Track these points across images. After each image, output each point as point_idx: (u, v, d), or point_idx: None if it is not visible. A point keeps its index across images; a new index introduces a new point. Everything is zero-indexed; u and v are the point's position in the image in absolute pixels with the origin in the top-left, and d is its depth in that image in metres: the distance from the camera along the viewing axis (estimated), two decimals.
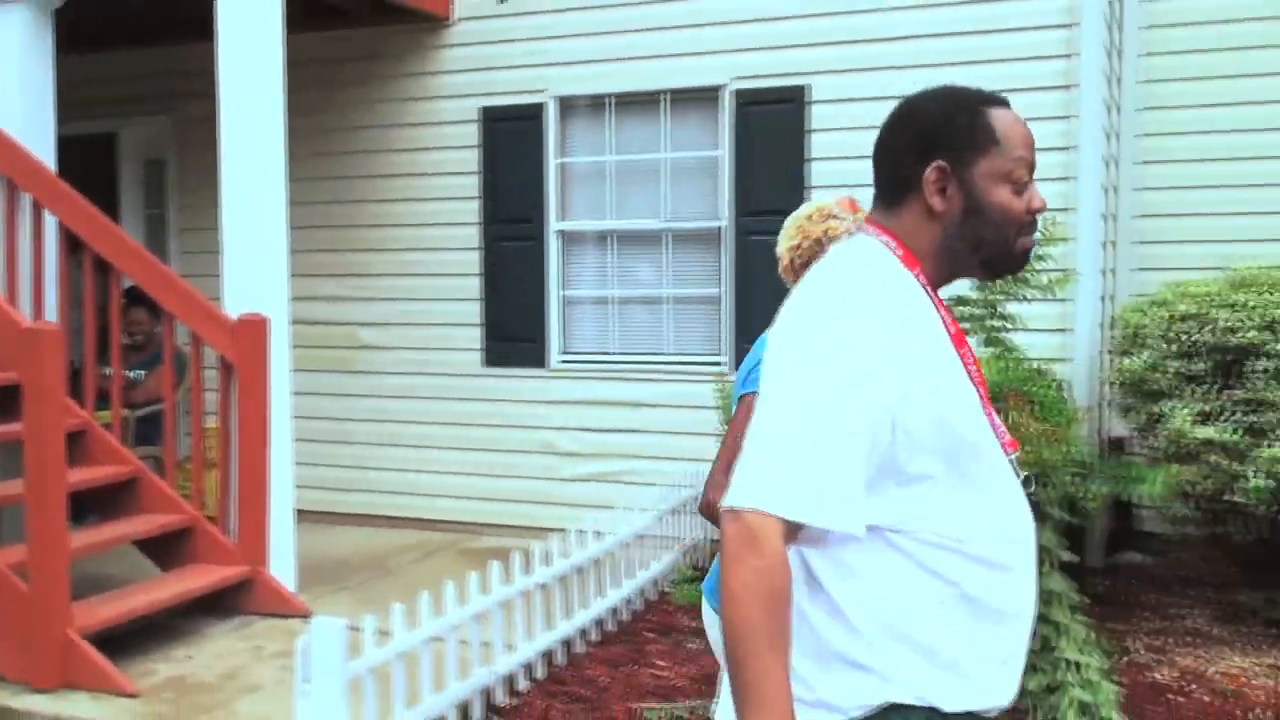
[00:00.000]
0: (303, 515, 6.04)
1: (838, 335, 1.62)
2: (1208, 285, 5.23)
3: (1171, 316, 5.14)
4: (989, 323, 4.79)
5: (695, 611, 4.20)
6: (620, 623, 5.46)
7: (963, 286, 4.67)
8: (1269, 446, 4.62)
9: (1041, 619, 4.08)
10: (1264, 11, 6.52)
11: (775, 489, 1.55)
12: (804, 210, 2.68)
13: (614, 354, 7.15)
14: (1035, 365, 5.22)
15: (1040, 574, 4.07)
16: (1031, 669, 4.02)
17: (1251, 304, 4.93)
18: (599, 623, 5.26)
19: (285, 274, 5.73)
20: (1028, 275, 4.69)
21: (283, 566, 5.57)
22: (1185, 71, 6.66)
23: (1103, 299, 6.24)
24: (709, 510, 2.53)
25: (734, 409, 2.70)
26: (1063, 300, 5.69)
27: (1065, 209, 5.80)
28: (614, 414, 7.02)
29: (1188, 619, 5.35)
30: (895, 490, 1.64)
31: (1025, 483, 1.83)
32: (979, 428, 1.70)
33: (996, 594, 1.74)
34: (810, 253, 2.55)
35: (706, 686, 4.60)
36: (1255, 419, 4.76)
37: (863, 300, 1.66)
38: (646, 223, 7.04)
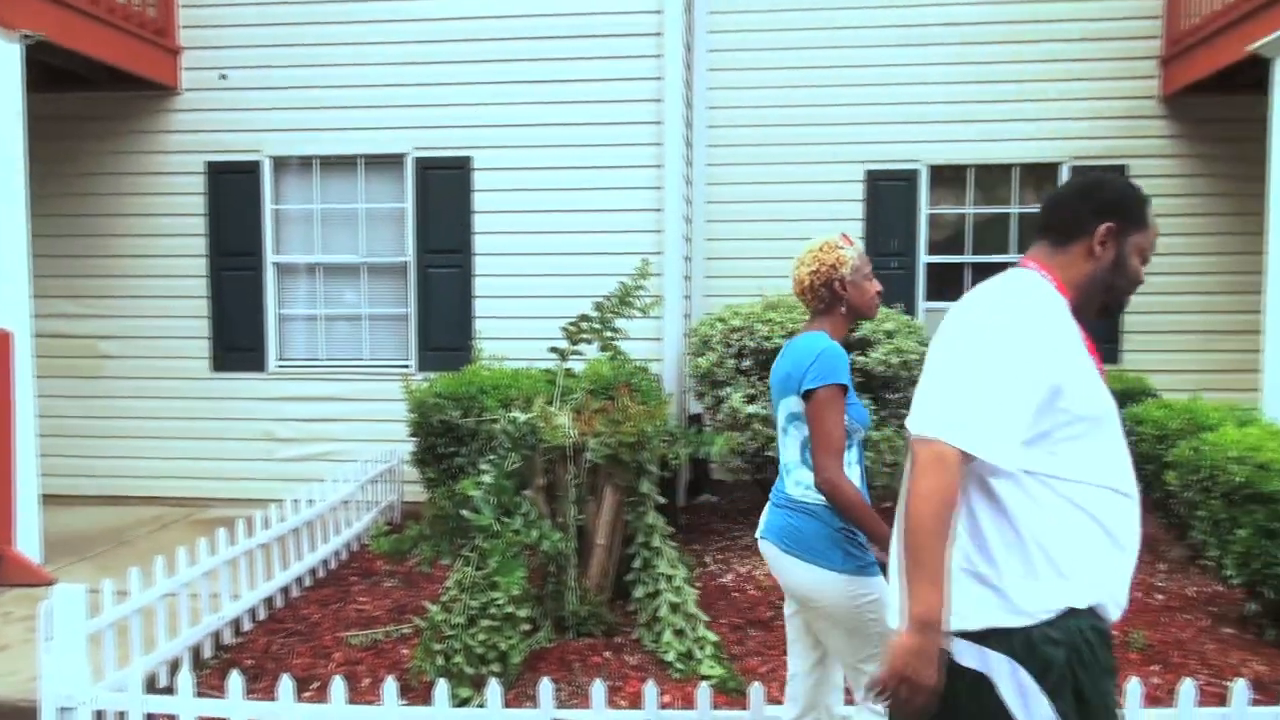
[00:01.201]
0: (52, 499, 5.42)
1: (1015, 326, 1.72)
2: (751, 307, 5.64)
3: (728, 329, 5.49)
4: (605, 334, 4.94)
5: (390, 558, 4.13)
6: (330, 571, 5.24)
7: (584, 306, 4.83)
8: None
9: (643, 545, 4.30)
10: (796, 120, 7.21)
11: (962, 427, 1.65)
12: (815, 244, 2.60)
13: (322, 359, 6.86)
14: (638, 365, 5.48)
15: (642, 513, 4.29)
16: (638, 582, 4.24)
17: (778, 319, 5.35)
18: (312, 571, 5.02)
19: (27, 293, 5.11)
20: (631, 300, 4.92)
21: (29, 543, 4.95)
22: (736, 158, 7.25)
23: (685, 316, 6.65)
24: (830, 486, 2.37)
25: (801, 404, 2.46)
26: (656, 318, 6.01)
27: (657, 253, 6.16)
28: (323, 407, 6.74)
29: (743, 539, 5.71)
30: (1065, 446, 1.72)
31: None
32: (1109, 402, 1.79)
33: (1126, 527, 1.78)
34: (825, 275, 2.54)
35: (399, 615, 4.53)
36: None
37: (1033, 307, 1.77)
38: (347, 257, 6.81)
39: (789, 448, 2.55)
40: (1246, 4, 5.73)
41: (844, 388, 2.41)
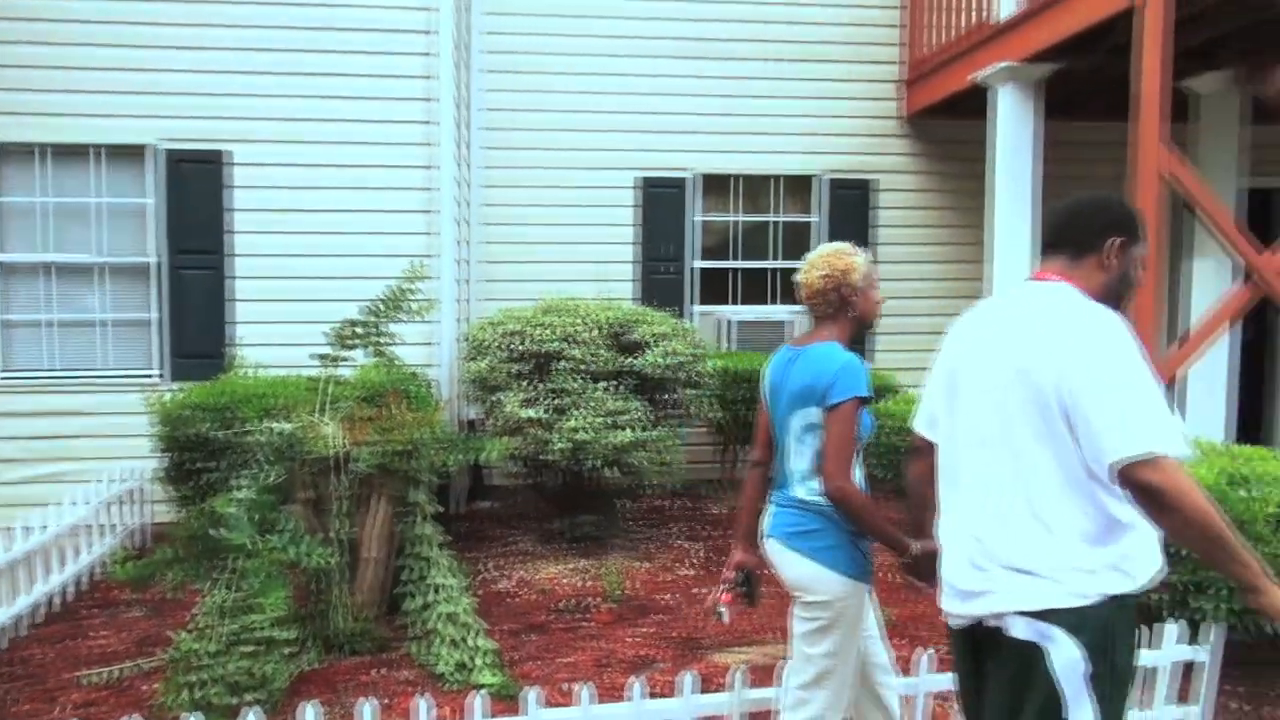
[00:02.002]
0: None
1: (1128, 343, 1.89)
2: (527, 311, 5.64)
3: (504, 333, 5.45)
4: (375, 339, 4.77)
5: (135, 586, 3.78)
6: (65, 603, 4.73)
7: (353, 310, 4.65)
8: (567, 420, 5.08)
9: (416, 556, 4.19)
10: (571, 125, 7.26)
11: (1171, 439, 1.79)
12: (825, 250, 2.63)
13: (55, 371, 6.18)
14: (411, 370, 5.33)
15: (415, 523, 4.18)
16: (411, 594, 4.13)
17: (555, 323, 5.37)
18: (40, 606, 4.52)
19: None
20: (403, 303, 4.79)
21: None
22: (513, 161, 7.22)
23: (460, 321, 6.55)
24: (840, 494, 2.45)
25: (821, 417, 2.50)
26: (430, 322, 5.91)
27: (430, 256, 6.03)
28: (54, 423, 6.08)
29: (520, 544, 5.71)
30: None
31: None
32: None
33: None
34: (836, 281, 2.58)
35: (145, 648, 4.16)
36: (559, 402, 5.16)
37: (1120, 323, 1.93)
38: (81, 257, 6.18)
39: (803, 456, 2.59)
40: (970, 39, 6.37)
41: (864, 400, 2.49)
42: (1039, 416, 1.92)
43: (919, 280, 7.71)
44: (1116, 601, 1.89)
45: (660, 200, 7.40)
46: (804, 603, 2.57)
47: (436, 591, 4.07)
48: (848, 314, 2.62)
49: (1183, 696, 3.37)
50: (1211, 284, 5.95)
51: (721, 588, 2.78)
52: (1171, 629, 3.31)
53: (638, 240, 7.39)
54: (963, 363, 2.17)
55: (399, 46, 6.22)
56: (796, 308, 7.62)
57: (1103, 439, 1.82)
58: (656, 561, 5.40)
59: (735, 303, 7.60)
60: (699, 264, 7.51)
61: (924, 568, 2.48)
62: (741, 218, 7.61)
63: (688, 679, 2.82)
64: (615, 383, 5.30)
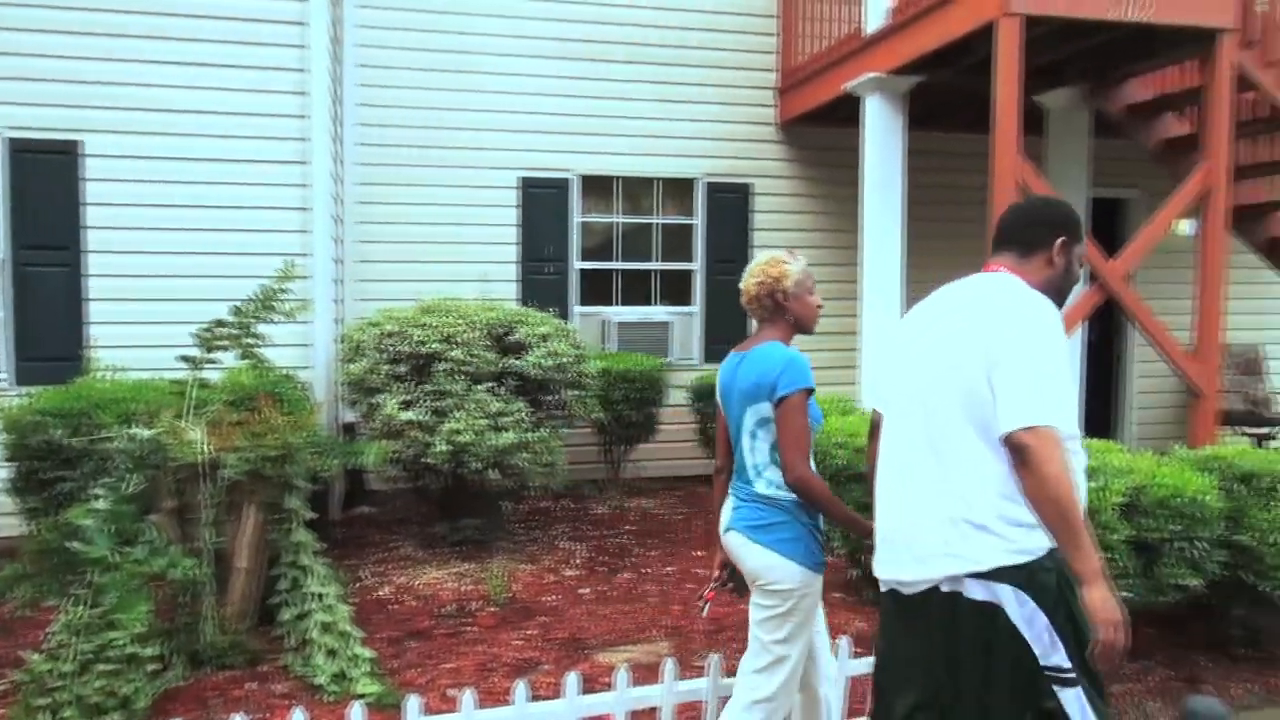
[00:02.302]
0: None
1: (1054, 323, 2.11)
2: (406, 311, 5.53)
3: (382, 334, 5.33)
4: (245, 341, 4.60)
5: None
6: None
7: (222, 310, 4.47)
8: (448, 422, 5.01)
9: (291, 565, 4.06)
10: (450, 123, 7.16)
11: (1056, 413, 1.97)
12: (762, 259, 2.81)
13: None
14: (284, 373, 5.16)
15: (289, 530, 4.05)
16: (285, 604, 3.99)
17: (435, 324, 5.27)
18: None
19: None
20: (274, 303, 4.63)
21: None
22: (390, 159, 7.07)
23: (336, 321, 6.37)
24: (801, 483, 2.59)
25: (772, 411, 2.65)
26: (305, 323, 5.73)
27: (305, 254, 5.84)
28: None
29: (401, 549, 5.59)
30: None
31: None
32: None
33: (1081, 470, 2.14)
34: (769, 288, 2.75)
35: None
36: (440, 404, 5.08)
37: (1051, 306, 2.16)
38: None
39: (758, 451, 2.72)
40: (840, 50, 6.60)
41: (811, 391, 2.65)
42: (970, 387, 2.11)
43: None
44: (1042, 557, 2.05)
45: (542, 201, 7.38)
46: (764, 591, 2.68)
47: (313, 600, 3.95)
48: (784, 317, 2.78)
49: None
50: None
51: (710, 586, 2.95)
52: None
53: (519, 240, 7.35)
54: (907, 346, 2.35)
55: (270, 37, 5.99)
56: (678, 309, 7.73)
57: (1000, 410, 2.02)
58: (541, 563, 5.39)
59: (617, 304, 7.65)
60: (581, 265, 7.52)
61: None
62: (623, 219, 7.67)
63: (572, 680, 2.83)
64: (497, 384, 5.26)
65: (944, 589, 2.10)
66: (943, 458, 2.15)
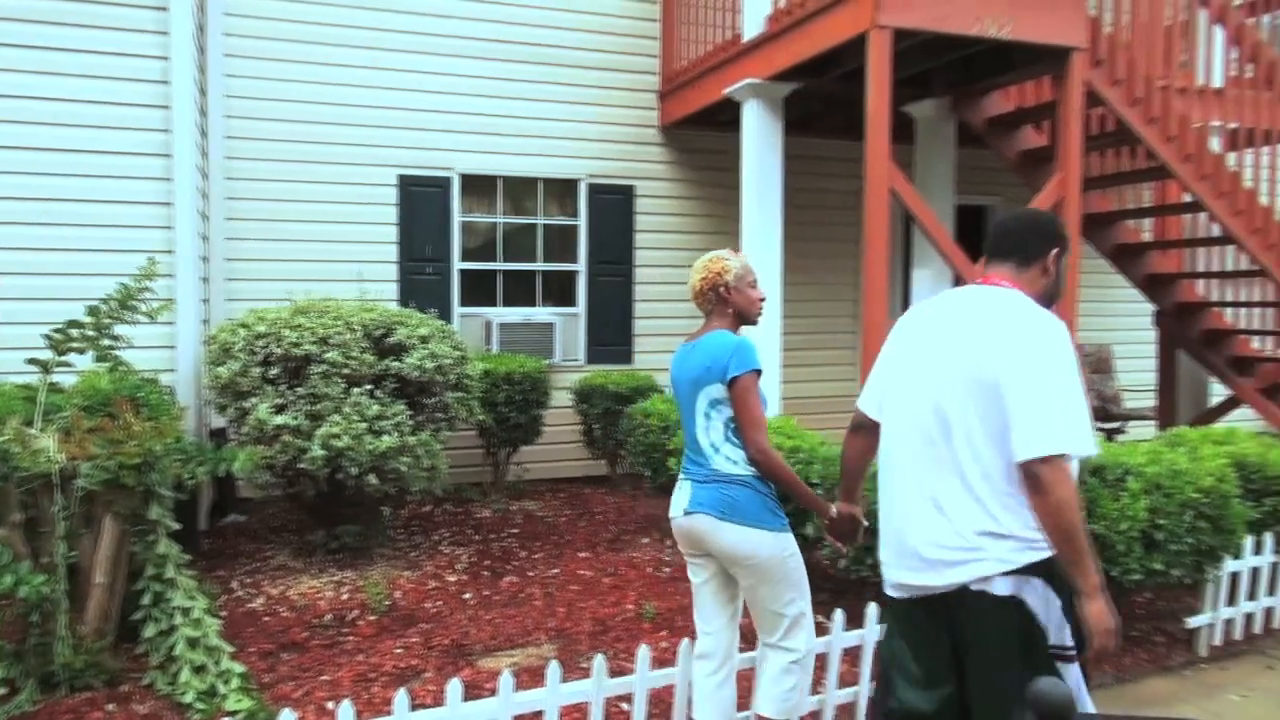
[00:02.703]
0: None
1: (1066, 346, 2.23)
2: (278, 312, 5.32)
3: (253, 335, 5.11)
4: (102, 342, 4.36)
5: None
6: None
7: (76, 310, 4.22)
8: (324, 427, 4.84)
9: (155, 578, 3.86)
10: (326, 118, 6.93)
11: (1069, 436, 2.13)
12: (705, 257, 3.04)
13: None
14: (146, 376, 4.90)
15: (152, 542, 3.86)
16: (148, 620, 3.80)
17: (310, 325, 5.09)
18: None
19: None
20: (134, 303, 4.39)
21: None
22: (261, 153, 6.81)
23: (204, 322, 6.08)
24: (764, 456, 2.81)
25: (724, 392, 2.85)
26: (168, 324, 5.45)
27: (167, 251, 5.55)
28: None
29: (275, 559, 5.39)
30: None
31: None
32: None
33: None
34: (712, 282, 2.98)
35: None
36: (315, 408, 4.90)
37: (1060, 326, 2.27)
38: None
39: (712, 431, 2.91)
40: (720, 55, 6.71)
41: (759, 373, 2.85)
42: (987, 404, 2.22)
43: (678, 284, 8.01)
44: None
45: (422, 199, 7.24)
46: (750, 568, 2.86)
47: (178, 615, 3.76)
48: (727, 309, 3.00)
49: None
50: (931, 290, 6.61)
51: None
52: (872, 609, 3.64)
53: (399, 240, 7.19)
54: (915, 354, 2.45)
55: (129, 22, 5.67)
56: (561, 310, 7.71)
57: (1016, 438, 2.16)
58: (423, 569, 5.28)
59: (500, 305, 7.58)
60: (463, 265, 7.41)
61: (843, 528, 2.91)
62: (506, 219, 7.59)
63: (455, 687, 2.79)
64: (376, 387, 5.12)
65: (973, 588, 2.24)
66: (964, 471, 2.26)
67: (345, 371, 5.02)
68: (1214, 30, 6.31)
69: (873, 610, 3.56)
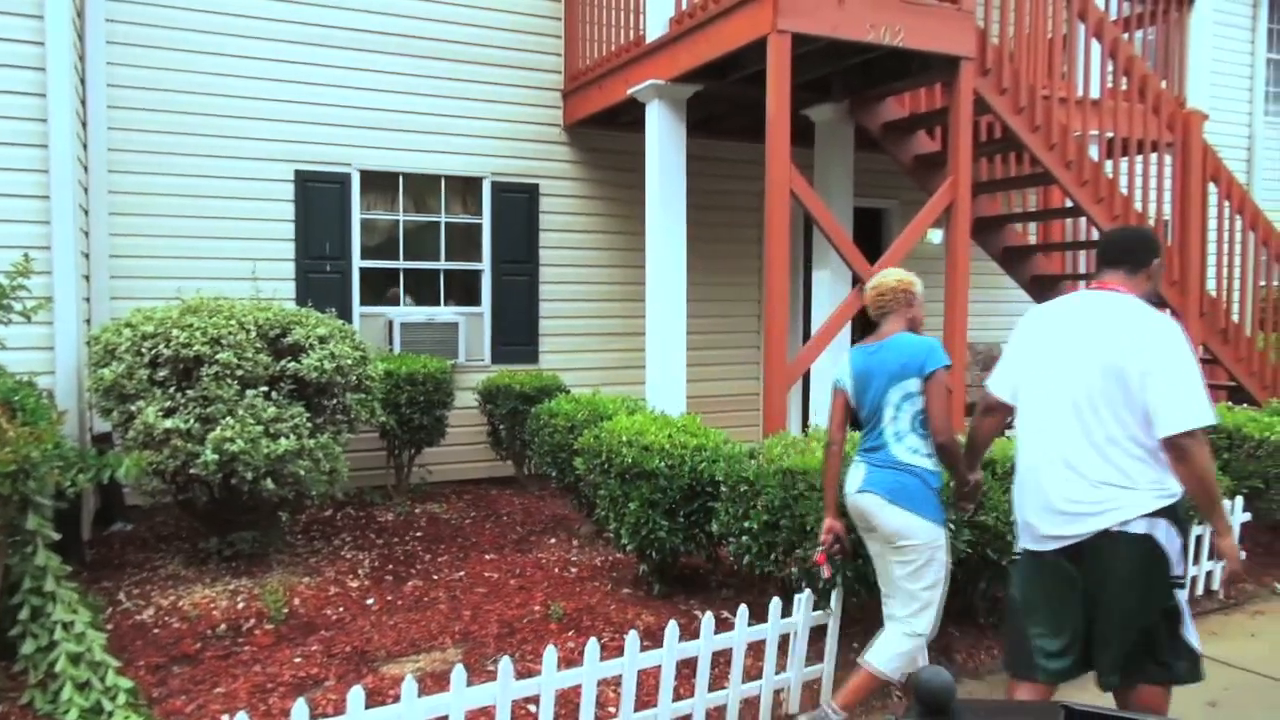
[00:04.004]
0: None
1: (1185, 343, 2.80)
2: (167, 311, 5.11)
3: (140, 335, 4.90)
4: None
5: None
6: None
7: None
8: (217, 430, 4.67)
9: (34, 591, 3.68)
10: (217, 110, 6.68)
11: (1203, 413, 2.68)
12: (897, 273, 3.51)
13: None
14: (21, 379, 4.65)
15: (30, 554, 3.67)
16: (26, 636, 3.61)
17: (200, 325, 4.91)
18: None
19: None
20: (8, 302, 4.16)
21: None
22: (147, 146, 6.53)
23: (85, 322, 5.80)
24: (951, 443, 3.27)
25: (919, 385, 3.28)
26: (46, 323, 5.17)
27: (44, 248, 5.25)
28: None
29: (165, 568, 5.18)
30: None
31: None
32: None
33: None
34: (904, 290, 3.46)
35: None
36: (208, 410, 4.72)
37: (1180, 328, 2.84)
38: None
39: (900, 421, 3.29)
40: (623, 55, 6.73)
41: (949, 367, 3.32)
42: (1125, 388, 2.77)
43: (583, 284, 8.02)
44: (1181, 495, 2.81)
45: (320, 195, 7.06)
46: (902, 548, 3.24)
47: (60, 629, 3.58)
48: (907, 315, 3.45)
49: (810, 658, 3.81)
50: (831, 290, 6.78)
51: (818, 549, 3.47)
52: (805, 596, 3.73)
53: (296, 237, 6.99)
54: (1054, 347, 2.97)
55: None
56: (465, 309, 7.62)
57: (1160, 418, 2.71)
58: (323, 575, 5.15)
59: (402, 304, 7.44)
60: (363, 264, 7.25)
61: (972, 494, 3.48)
62: (408, 217, 7.46)
63: (356, 695, 2.73)
64: (272, 388, 4.97)
65: (1112, 530, 2.78)
66: (1104, 441, 2.81)
67: (239, 373, 4.85)
68: (1092, 44, 6.64)
69: (776, 605, 3.63)
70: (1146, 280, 2.98)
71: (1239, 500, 5.21)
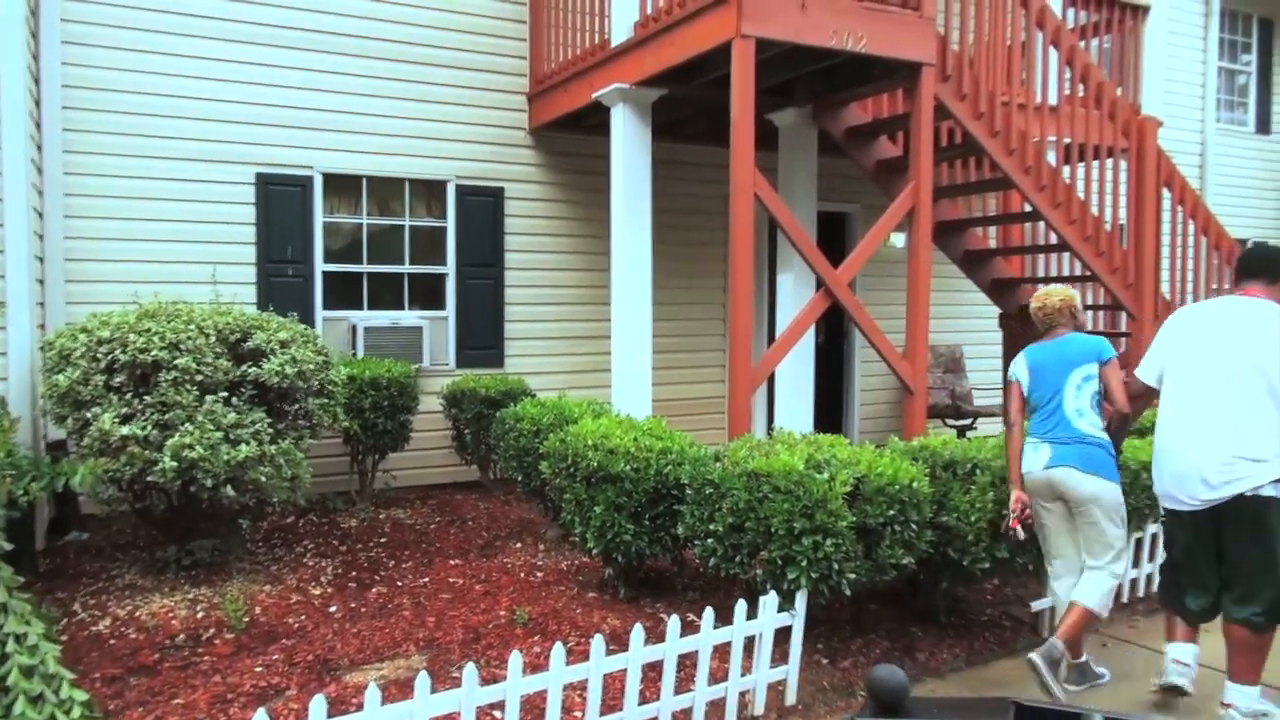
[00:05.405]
0: None
1: None
2: (124, 315, 5.02)
3: (96, 340, 4.82)
4: None
5: None
6: None
7: None
8: (176, 437, 4.59)
9: None
10: (177, 111, 6.58)
11: None
12: (1061, 290, 4.20)
13: None
14: None
15: None
16: None
17: (158, 329, 4.83)
18: None
19: None
20: None
21: None
22: (105, 147, 6.41)
23: (40, 327, 5.69)
24: (1128, 413, 4.00)
25: (1098, 370, 3.99)
26: None
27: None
28: None
29: (122, 577, 5.08)
30: None
31: None
32: None
33: None
34: (1069, 305, 4.17)
35: None
36: (165, 417, 4.64)
37: None
38: None
39: (1080, 399, 3.95)
40: (588, 59, 6.73)
41: (1116, 358, 4.02)
42: (1267, 377, 3.49)
43: (548, 287, 7.99)
44: None
45: (282, 199, 6.98)
46: (1097, 508, 3.89)
47: (11, 642, 3.49)
48: (1074, 322, 4.15)
49: (775, 660, 3.82)
50: (795, 294, 6.82)
51: (1012, 515, 4.06)
52: (770, 599, 3.74)
53: (258, 240, 6.90)
54: (1204, 340, 3.66)
55: None
56: (430, 313, 7.56)
57: None
58: (285, 583, 5.08)
59: (366, 308, 7.38)
60: (326, 267, 7.18)
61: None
62: (372, 220, 7.40)
63: (318, 704, 2.69)
64: (232, 394, 4.90)
65: (1247, 494, 3.47)
66: (1245, 419, 3.49)
67: (199, 378, 4.78)
68: (1050, 51, 6.74)
69: (741, 607, 3.63)
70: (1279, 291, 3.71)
71: None
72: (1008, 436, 4.17)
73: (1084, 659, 4.05)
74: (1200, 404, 3.60)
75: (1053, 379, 4.03)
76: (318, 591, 4.97)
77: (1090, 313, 7.63)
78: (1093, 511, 3.92)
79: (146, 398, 4.71)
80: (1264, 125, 12.88)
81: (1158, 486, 3.81)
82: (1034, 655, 3.77)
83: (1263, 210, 12.72)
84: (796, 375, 6.84)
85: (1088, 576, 3.98)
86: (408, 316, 7.48)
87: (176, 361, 4.73)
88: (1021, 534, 4.08)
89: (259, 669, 3.97)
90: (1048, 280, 7.61)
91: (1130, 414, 3.99)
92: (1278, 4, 12.79)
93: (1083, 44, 7.55)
